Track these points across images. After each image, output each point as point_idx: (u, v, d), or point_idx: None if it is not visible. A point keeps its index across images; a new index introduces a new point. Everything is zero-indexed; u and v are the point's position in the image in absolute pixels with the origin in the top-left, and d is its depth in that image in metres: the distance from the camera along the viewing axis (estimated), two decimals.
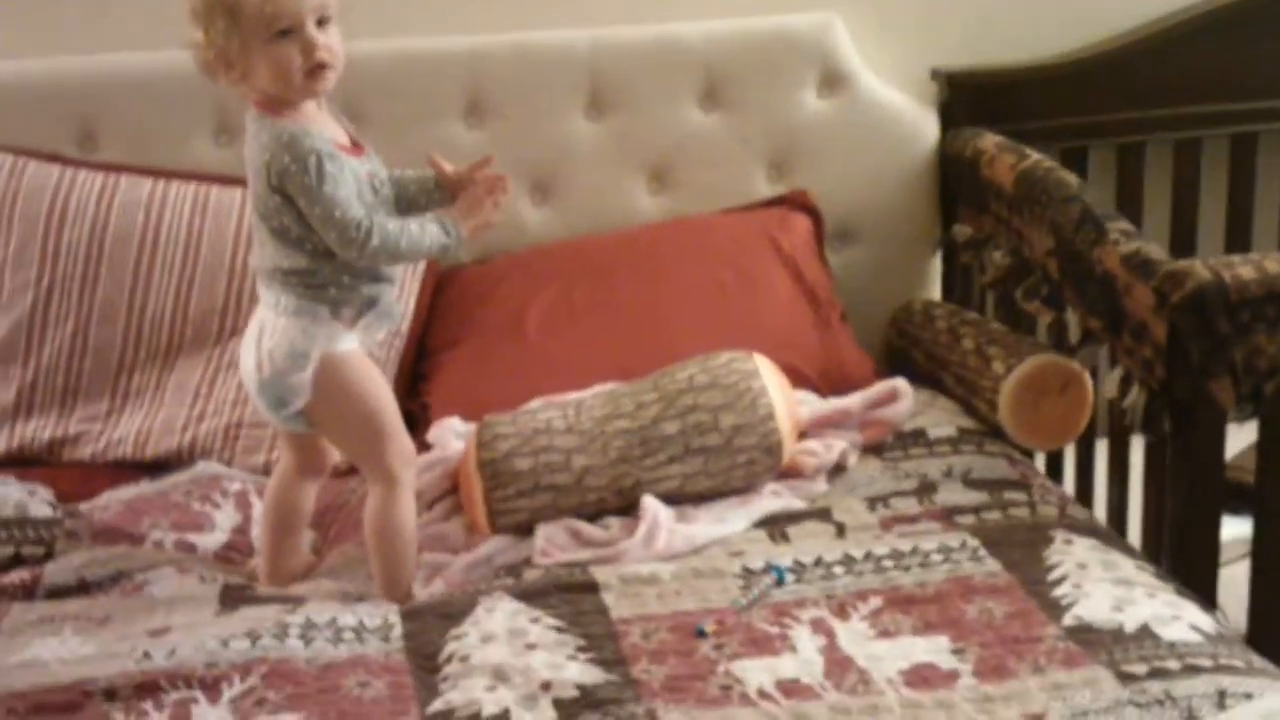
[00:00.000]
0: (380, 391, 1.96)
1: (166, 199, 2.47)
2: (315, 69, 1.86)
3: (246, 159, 1.91)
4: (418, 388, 2.47)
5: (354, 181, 1.88)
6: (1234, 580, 2.28)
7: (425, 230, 1.91)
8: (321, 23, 1.87)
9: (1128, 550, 2.03)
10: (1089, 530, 2.05)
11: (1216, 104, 2.85)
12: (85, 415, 2.39)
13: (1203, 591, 2.09)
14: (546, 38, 2.66)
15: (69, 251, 2.42)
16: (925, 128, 2.75)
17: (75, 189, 2.46)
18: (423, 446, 2.27)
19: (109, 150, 2.57)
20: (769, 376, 2.17)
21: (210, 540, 2.13)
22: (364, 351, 1.97)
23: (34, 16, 2.58)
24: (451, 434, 2.25)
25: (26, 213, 2.44)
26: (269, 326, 1.91)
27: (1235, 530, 2.29)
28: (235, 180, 2.48)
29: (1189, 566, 2.12)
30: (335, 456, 2.06)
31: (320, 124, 1.91)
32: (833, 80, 2.71)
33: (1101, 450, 2.42)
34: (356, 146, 1.95)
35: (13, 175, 2.47)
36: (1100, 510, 2.42)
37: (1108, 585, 1.89)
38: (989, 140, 2.62)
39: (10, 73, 2.55)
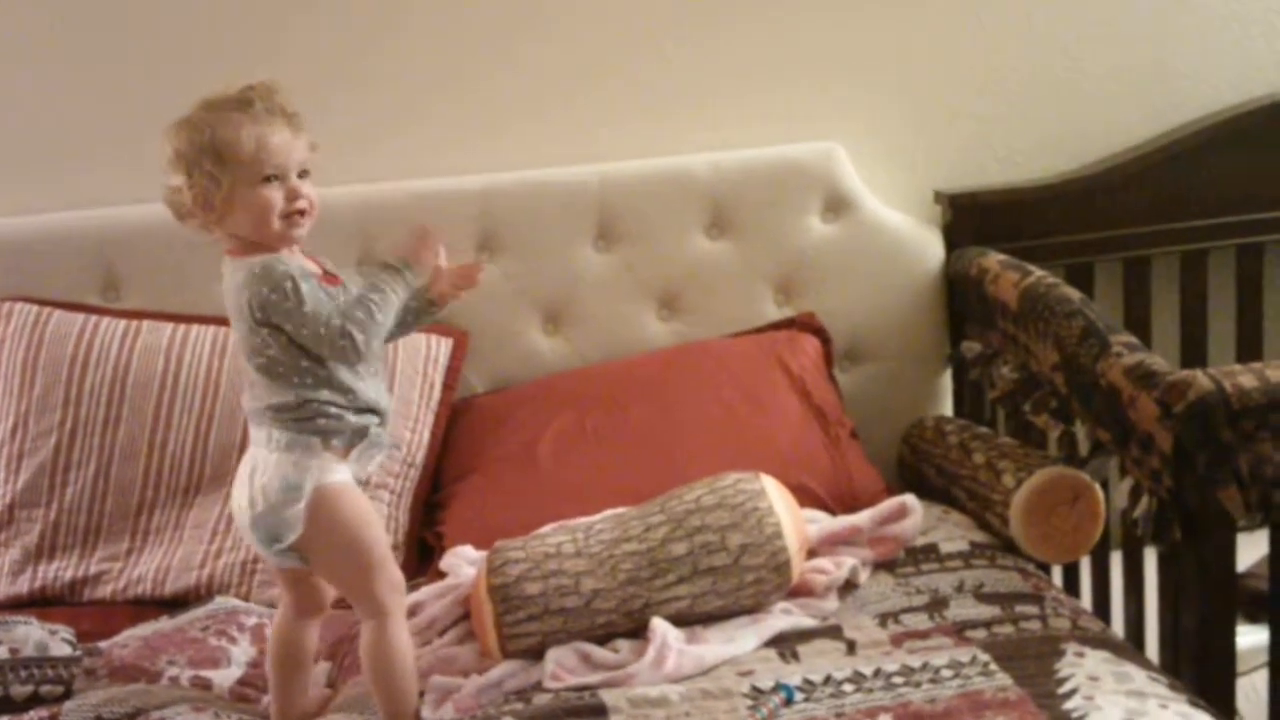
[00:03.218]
0: (372, 524, 1.98)
1: (186, 341, 2.53)
2: (294, 214, 1.91)
3: (227, 306, 1.95)
4: (433, 517, 2.50)
5: (328, 299, 1.93)
6: (1255, 689, 2.26)
7: (387, 287, 1.94)
8: (302, 175, 1.93)
9: (1141, 661, 2.02)
10: (1101, 642, 2.04)
11: (1221, 217, 2.88)
12: (106, 554, 2.43)
13: (1221, 701, 2.07)
14: (556, 174, 2.72)
15: (91, 395, 2.48)
16: (930, 248, 2.80)
17: (98, 335, 2.53)
18: (436, 575, 2.30)
19: (132, 298, 2.64)
20: (776, 496, 2.18)
21: (226, 675, 2.14)
22: (357, 483, 1.99)
23: (58, 172, 2.67)
24: (464, 561, 2.28)
25: (51, 360, 2.50)
26: (261, 463, 1.93)
27: (1255, 639, 2.28)
28: None
29: (1206, 676, 2.10)
30: (332, 594, 2.07)
31: (290, 257, 1.95)
32: (837, 205, 2.77)
33: (1116, 562, 2.42)
34: (331, 277, 1.99)
35: (38, 324, 2.54)
36: (1118, 622, 2.41)
37: (1120, 697, 1.88)
38: (992, 259, 2.66)
39: (35, 226, 2.64)
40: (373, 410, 1.98)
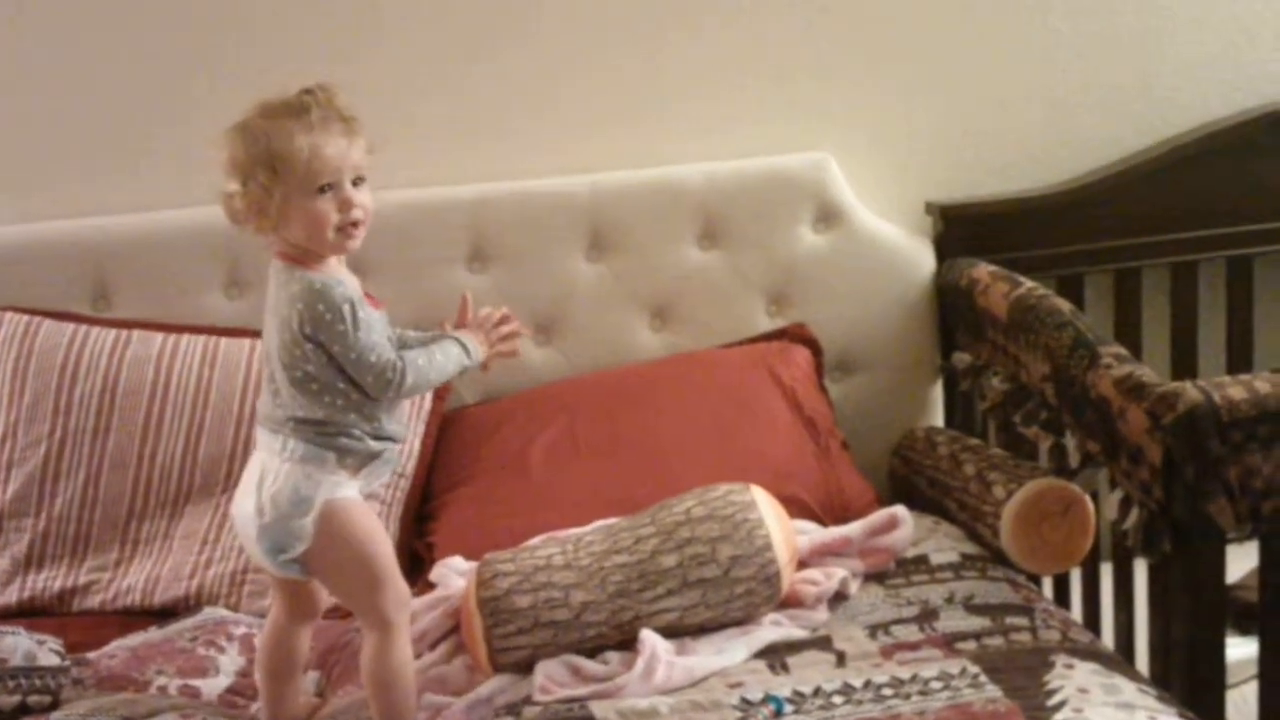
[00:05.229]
0: (378, 538, 1.97)
1: (177, 351, 2.53)
2: (348, 226, 1.91)
3: (270, 309, 1.95)
4: (423, 528, 2.49)
5: (380, 327, 1.95)
6: (1245, 701, 2.26)
7: (449, 356, 2.00)
8: (356, 182, 1.92)
9: (1130, 674, 2.02)
10: (1091, 654, 2.04)
11: (1211, 229, 2.89)
12: (95, 564, 2.42)
13: (1211, 713, 2.08)
14: (547, 184, 2.72)
15: (81, 405, 2.47)
16: (921, 259, 2.80)
17: (88, 345, 2.52)
18: (427, 586, 2.30)
19: (122, 307, 2.63)
20: (766, 507, 2.18)
21: (214, 684, 2.14)
22: (363, 498, 1.99)
23: (49, 181, 2.67)
24: (453, 573, 2.28)
25: (40, 369, 2.50)
26: (271, 472, 1.93)
27: (1245, 650, 2.28)
28: (244, 331, 2.55)
29: (1196, 688, 2.10)
30: (326, 601, 2.07)
31: (344, 276, 1.97)
32: (828, 216, 2.77)
33: (1106, 574, 2.42)
34: (372, 299, 2.00)
35: (28, 334, 2.54)
36: (1108, 634, 2.41)
37: (1109, 710, 1.88)
38: (983, 270, 2.66)
39: (26, 235, 2.63)
40: (389, 439, 1.99)
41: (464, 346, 2.02)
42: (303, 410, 1.92)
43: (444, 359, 1.98)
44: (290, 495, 1.91)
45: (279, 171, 1.87)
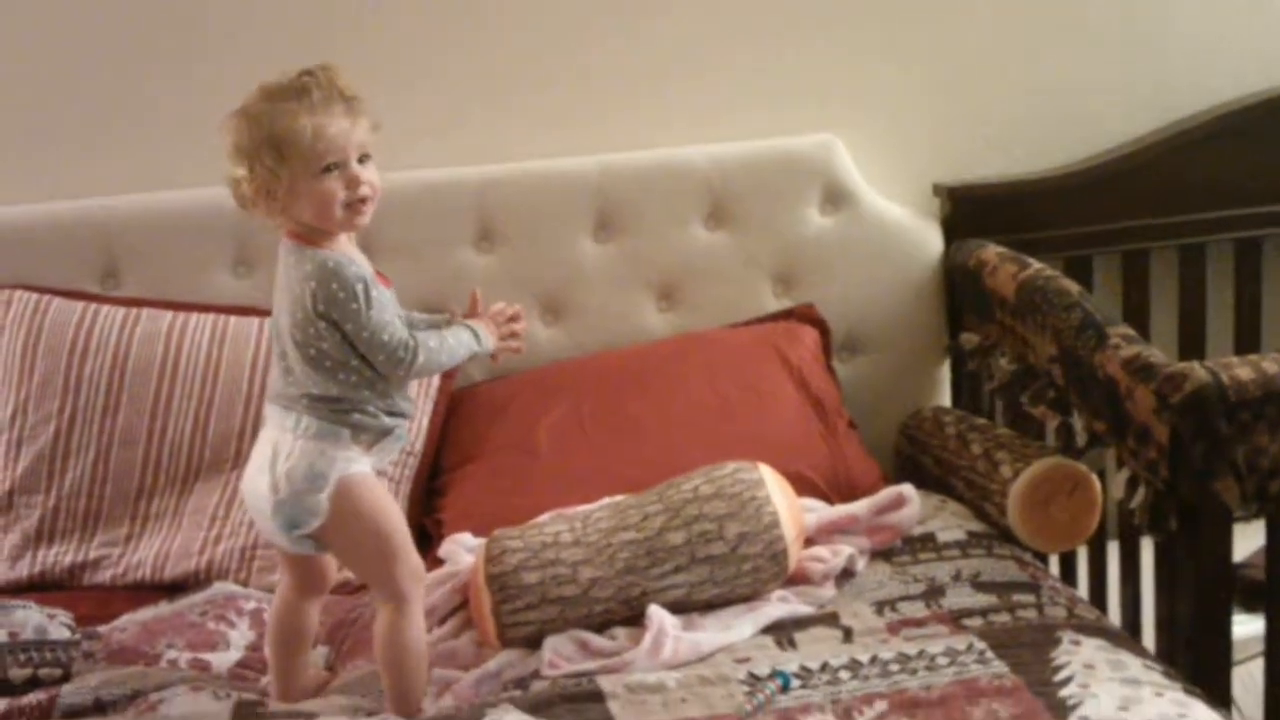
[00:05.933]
0: (392, 513, 1.99)
1: (186, 329, 2.54)
2: (356, 203, 1.92)
3: (281, 287, 1.96)
4: (432, 504, 2.50)
5: (392, 306, 1.96)
6: (1252, 678, 2.27)
7: (460, 341, 2.02)
8: (362, 159, 1.93)
9: (1136, 650, 2.03)
10: (1097, 630, 2.05)
11: (1219, 210, 2.88)
12: (105, 540, 2.44)
13: (1216, 689, 2.08)
14: (554, 164, 2.72)
15: (91, 382, 2.48)
16: (928, 240, 2.80)
17: (97, 323, 2.53)
18: (435, 562, 2.31)
19: (131, 286, 2.64)
20: (773, 485, 2.19)
21: (225, 658, 2.15)
22: (375, 473, 2.00)
23: (58, 160, 2.67)
24: (462, 549, 2.28)
25: (50, 347, 2.51)
26: (284, 449, 1.93)
27: (1252, 628, 2.29)
28: (253, 310, 2.56)
29: (1201, 665, 2.11)
30: (335, 575, 2.08)
31: (355, 254, 1.98)
32: (835, 198, 2.77)
33: (1113, 551, 2.42)
34: (383, 277, 2.01)
35: (38, 312, 2.55)
36: (1114, 611, 2.42)
37: (1115, 685, 1.88)
38: (991, 251, 2.66)
39: (35, 214, 2.64)
40: (402, 415, 2.00)
41: (475, 333, 2.03)
42: (317, 388, 1.93)
43: (455, 343, 2.00)
44: (305, 471, 1.92)
45: (284, 153, 1.88)
